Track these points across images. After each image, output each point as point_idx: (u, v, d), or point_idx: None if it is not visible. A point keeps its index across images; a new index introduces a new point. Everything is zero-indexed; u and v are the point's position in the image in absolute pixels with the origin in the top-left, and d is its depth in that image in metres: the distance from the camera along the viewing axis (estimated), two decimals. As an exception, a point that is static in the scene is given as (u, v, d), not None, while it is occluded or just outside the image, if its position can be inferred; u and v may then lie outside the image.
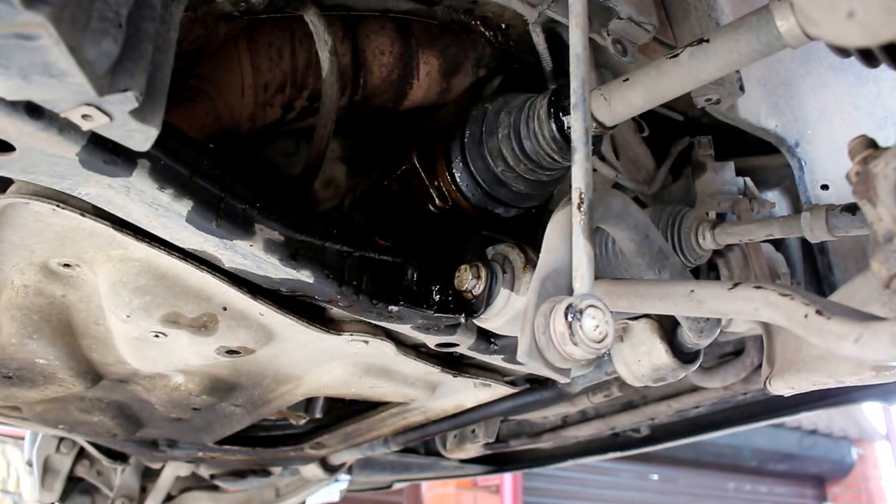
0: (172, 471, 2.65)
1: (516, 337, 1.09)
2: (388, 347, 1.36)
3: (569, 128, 0.99)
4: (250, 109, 1.25)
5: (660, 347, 1.31)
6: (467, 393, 1.73)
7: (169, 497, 2.91)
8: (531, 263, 1.13)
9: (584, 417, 2.39)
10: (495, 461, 2.95)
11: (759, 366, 1.67)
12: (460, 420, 1.97)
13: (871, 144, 0.70)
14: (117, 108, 0.67)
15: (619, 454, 2.59)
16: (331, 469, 2.58)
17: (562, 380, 0.92)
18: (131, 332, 1.27)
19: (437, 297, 1.17)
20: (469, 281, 1.15)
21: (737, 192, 1.44)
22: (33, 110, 0.69)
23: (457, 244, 1.21)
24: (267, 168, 1.38)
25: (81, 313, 1.29)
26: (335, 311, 1.28)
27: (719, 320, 1.20)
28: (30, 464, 2.73)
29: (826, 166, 1.39)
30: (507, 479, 6.75)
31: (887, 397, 2.02)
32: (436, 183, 1.19)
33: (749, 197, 1.44)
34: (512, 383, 1.68)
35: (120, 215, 0.97)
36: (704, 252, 1.25)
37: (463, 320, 1.19)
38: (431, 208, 1.21)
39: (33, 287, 1.21)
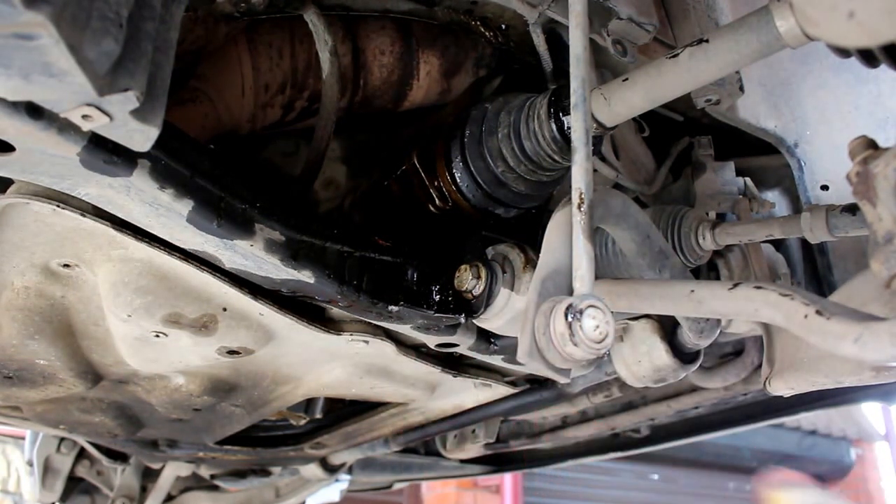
0: (173, 471, 2.65)
1: (516, 337, 1.09)
2: (388, 347, 1.36)
3: (569, 128, 0.99)
4: (250, 110, 1.25)
5: (660, 348, 1.31)
6: (467, 393, 1.73)
7: (169, 497, 2.91)
8: (531, 263, 1.13)
9: (584, 418, 2.39)
10: (495, 461, 2.95)
11: (759, 366, 1.67)
12: (460, 420, 1.97)
13: (871, 145, 0.70)
14: (118, 108, 0.67)
15: (619, 454, 2.59)
16: (331, 469, 2.58)
17: (562, 380, 0.92)
18: (132, 332, 1.27)
19: (437, 297, 1.17)
20: (469, 281, 1.15)
21: (737, 192, 1.44)
22: (33, 110, 0.69)
23: (457, 244, 1.21)
24: (267, 168, 1.39)
25: (81, 314, 1.29)
26: (335, 311, 1.28)
27: (719, 321, 1.20)
28: (30, 464, 2.73)
29: (826, 166, 1.39)
30: (508, 479, 6.75)
31: (887, 397, 2.02)
32: (436, 183, 1.19)
33: (749, 197, 1.44)
34: (512, 383, 1.68)
35: (120, 215, 0.97)
36: (704, 252, 1.25)
37: (463, 320, 1.19)
38: (431, 208, 1.21)
39: (34, 289, 1.21)
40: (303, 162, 1.22)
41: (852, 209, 1.07)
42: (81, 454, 2.78)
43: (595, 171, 1.25)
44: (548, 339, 0.78)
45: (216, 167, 0.98)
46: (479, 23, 1.20)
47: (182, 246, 1.04)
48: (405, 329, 1.25)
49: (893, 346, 0.63)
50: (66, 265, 1.15)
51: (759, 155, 1.55)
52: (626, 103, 0.93)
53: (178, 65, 0.88)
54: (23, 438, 3.10)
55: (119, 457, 2.65)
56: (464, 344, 1.31)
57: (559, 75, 1.16)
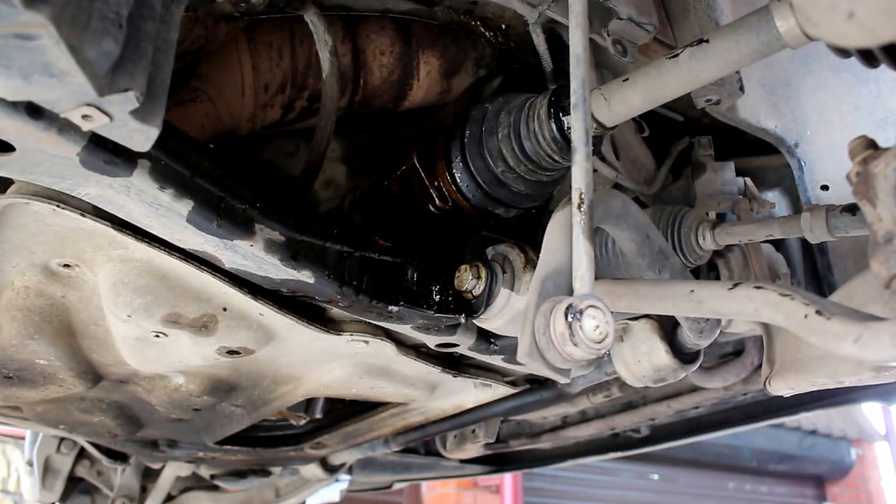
0: (173, 471, 2.65)
1: (516, 337, 1.09)
2: (388, 348, 1.36)
3: (569, 128, 0.99)
4: (250, 110, 1.25)
5: (660, 348, 1.31)
6: (467, 393, 1.73)
7: (169, 497, 2.91)
8: (531, 263, 1.13)
9: (584, 418, 2.39)
10: (495, 461, 2.95)
11: (759, 366, 1.67)
12: (460, 420, 1.97)
13: (871, 145, 0.70)
14: (118, 108, 0.67)
15: (619, 454, 2.59)
16: (331, 469, 2.58)
17: (562, 380, 0.92)
18: (132, 332, 1.27)
19: (437, 297, 1.17)
20: (469, 281, 1.15)
21: (737, 192, 1.44)
22: (33, 110, 0.69)
23: (457, 244, 1.21)
24: (267, 168, 1.39)
25: (81, 314, 1.29)
26: (335, 311, 1.28)
27: (719, 321, 1.20)
28: (30, 464, 2.73)
29: (826, 166, 1.39)
30: (508, 479, 6.75)
31: (887, 397, 2.02)
32: (436, 183, 1.19)
33: (749, 197, 1.44)
34: (512, 383, 1.68)
35: (120, 215, 0.97)
36: (704, 252, 1.25)
37: (463, 320, 1.19)
38: (431, 208, 1.21)
39: (34, 288, 1.21)
40: (303, 162, 1.22)
41: (852, 209, 1.07)
42: (81, 454, 2.78)
43: (595, 171, 1.25)
44: (548, 339, 0.78)
45: (216, 167, 0.98)
46: (479, 23, 1.20)
47: (182, 246, 1.04)
48: (405, 329, 1.25)
49: (893, 346, 0.63)
50: (66, 265, 1.15)
51: (759, 155, 1.55)
52: (626, 103, 0.93)
53: (178, 65, 0.88)
54: (23, 438, 3.10)
55: (119, 457, 2.65)
56: (464, 344, 1.31)
57: (559, 75, 1.16)
